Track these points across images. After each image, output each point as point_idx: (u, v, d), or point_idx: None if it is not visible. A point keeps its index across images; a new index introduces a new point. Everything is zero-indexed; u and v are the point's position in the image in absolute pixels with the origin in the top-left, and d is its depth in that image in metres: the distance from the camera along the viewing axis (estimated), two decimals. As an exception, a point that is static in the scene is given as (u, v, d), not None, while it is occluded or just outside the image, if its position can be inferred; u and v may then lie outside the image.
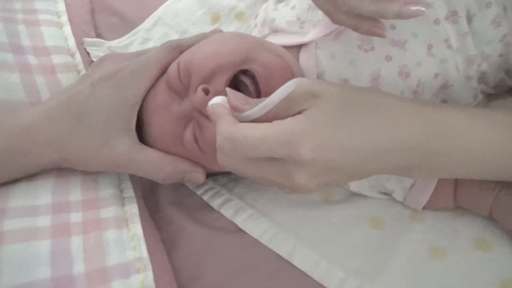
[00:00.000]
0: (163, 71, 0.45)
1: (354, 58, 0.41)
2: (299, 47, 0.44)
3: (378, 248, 0.42)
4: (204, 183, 0.50)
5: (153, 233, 0.43)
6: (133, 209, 0.42)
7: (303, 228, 0.44)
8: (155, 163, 0.43)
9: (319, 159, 0.31)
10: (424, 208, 0.43)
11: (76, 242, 0.37)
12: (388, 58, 0.40)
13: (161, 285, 0.38)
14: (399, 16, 0.32)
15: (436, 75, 0.41)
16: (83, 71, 0.52)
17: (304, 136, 0.31)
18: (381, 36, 0.35)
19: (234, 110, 0.35)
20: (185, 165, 0.44)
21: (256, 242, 0.44)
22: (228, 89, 0.36)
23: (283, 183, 0.33)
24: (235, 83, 0.41)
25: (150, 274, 0.36)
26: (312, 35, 0.43)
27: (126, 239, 0.39)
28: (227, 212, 0.46)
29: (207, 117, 0.39)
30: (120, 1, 0.64)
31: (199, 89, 0.39)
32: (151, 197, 0.49)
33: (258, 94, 0.41)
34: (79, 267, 0.35)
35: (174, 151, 0.44)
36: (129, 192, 0.44)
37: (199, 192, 0.49)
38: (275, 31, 0.47)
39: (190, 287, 0.41)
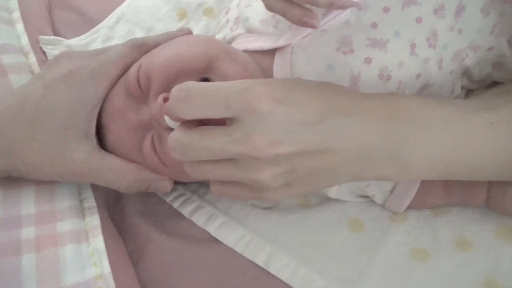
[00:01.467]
0: (125, 71, 0.41)
1: (332, 61, 0.38)
2: (273, 51, 0.41)
3: (359, 252, 0.40)
4: (174, 189, 0.46)
5: (117, 246, 0.40)
6: (94, 221, 0.38)
7: (280, 234, 0.42)
8: (117, 172, 0.39)
9: (278, 112, 0.30)
10: (408, 208, 0.41)
11: (27, 261, 0.33)
12: (368, 61, 0.37)
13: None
14: (331, 4, 0.32)
15: (418, 76, 0.38)
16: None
17: (262, 85, 0.30)
18: (313, 26, 0.33)
19: None
20: (149, 173, 0.41)
21: (231, 251, 0.41)
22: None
23: (240, 149, 0.30)
24: None
25: (112, 293, 0.33)
26: (286, 38, 0.40)
27: (85, 254, 0.35)
28: (199, 219, 0.43)
29: (167, 128, 0.37)
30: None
31: (159, 98, 0.37)
32: (116, 206, 0.45)
33: None
34: (30, 290, 0.31)
35: (136, 160, 0.41)
36: (90, 202, 0.40)
37: (168, 199, 0.46)
38: (249, 31, 0.44)
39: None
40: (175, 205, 0.45)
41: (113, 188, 0.40)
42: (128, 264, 0.39)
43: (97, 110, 0.40)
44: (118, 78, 0.41)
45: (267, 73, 0.41)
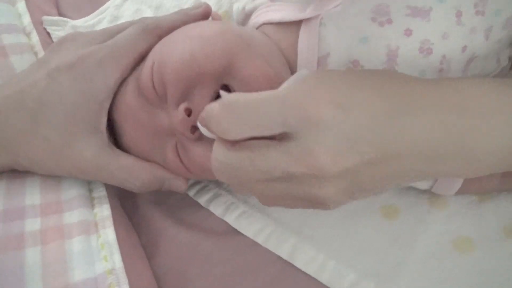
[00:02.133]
0: (138, 60, 0.38)
1: (367, 34, 0.34)
2: (299, 23, 0.36)
3: (394, 243, 0.36)
4: (189, 177, 0.43)
5: (131, 238, 0.37)
6: (104, 211, 0.35)
7: (305, 225, 0.38)
8: (129, 171, 0.36)
9: (342, 120, 0.24)
10: (459, 192, 0.37)
11: (31, 256, 0.30)
12: (408, 33, 0.33)
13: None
14: None
15: (464, 48, 0.34)
16: (42, 53, 0.45)
17: (320, 90, 0.25)
18: None
19: None
20: (164, 172, 0.38)
21: (252, 243, 0.38)
22: (222, 92, 0.29)
23: (301, 169, 0.25)
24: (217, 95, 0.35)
25: (125, 289, 0.30)
26: (315, 7, 0.35)
27: (95, 247, 0.32)
28: (217, 209, 0.40)
29: (194, 140, 0.34)
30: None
31: (181, 109, 0.33)
32: (128, 196, 0.42)
33: None
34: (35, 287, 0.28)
35: (151, 159, 0.38)
36: (100, 191, 0.37)
37: (183, 188, 0.42)
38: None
39: (175, 299, 0.35)
40: (191, 193, 0.42)
41: (125, 187, 0.37)
42: (143, 257, 0.36)
43: (107, 104, 0.36)
44: (130, 67, 0.37)
45: (288, 54, 0.37)
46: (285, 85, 0.27)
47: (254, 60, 0.34)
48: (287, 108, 0.25)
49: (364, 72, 0.29)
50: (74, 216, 0.34)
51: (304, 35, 0.36)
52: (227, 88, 0.34)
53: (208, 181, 0.43)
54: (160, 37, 0.38)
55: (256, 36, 0.37)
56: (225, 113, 0.25)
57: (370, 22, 0.33)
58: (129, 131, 0.37)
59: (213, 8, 0.44)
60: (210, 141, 0.34)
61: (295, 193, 0.27)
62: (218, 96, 0.34)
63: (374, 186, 0.28)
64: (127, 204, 0.42)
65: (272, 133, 0.25)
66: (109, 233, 0.33)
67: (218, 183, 0.43)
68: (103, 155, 0.35)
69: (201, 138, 0.34)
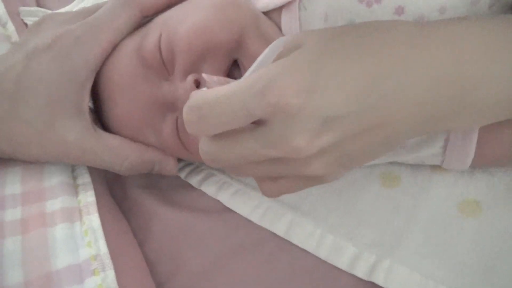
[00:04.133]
0: (119, 35, 0.36)
1: (352, 16, 0.31)
2: (280, 9, 0.35)
3: (395, 211, 0.34)
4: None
5: (118, 223, 0.36)
6: (88, 198, 0.34)
7: (301, 200, 0.36)
8: (116, 152, 0.35)
9: (311, 105, 0.23)
10: (477, 164, 0.33)
11: (11, 245, 0.29)
12: (399, 10, 0.30)
13: (130, 285, 0.30)
14: None
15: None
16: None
17: (283, 77, 0.23)
18: None
19: None
20: (153, 154, 0.36)
21: (246, 222, 0.36)
22: (205, 75, 0.28)
23: (278, 153, 0.24)
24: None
25: (111, 274, 0.29)
26: None
27: (79, 234, 0.31)
28: (209, 189, 0.38)
29: None
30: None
31: (189, 79, 0.32)
32: (116, 181, 0.41)
33: None
34: (16, 276, 0.27)
35: (141, 139, 0.36)
36: (85, 177, 0.36)
37: (175, 170, 0.41)
38: None
39: (170, 281, 0.34)
40: (182, 175, 0.40)
41: (112, 170, 0.36)
42: (131, 243, 0.35)
43: (89, 83, 0.35)
44: (112, 43, 0.35)
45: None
46: (249, 71, 0.26)
47: (261, 41, 0.33)
48: (248, 99, 0.23)
49: (342, 32, 0.26)
50: (57, 203, 0.33)
51: (285, 20, 0.34)
52: (236, 64, 0.33)
53: (199, 162, 0.41)
54: (142, 11, 0.36)
55: (261, 15, 0.36)
56: (193, 117, 0.24)
57: (356, 3, 0.31)
58: (122, 104, 0.35)
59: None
60: None
61: (288, 173, 0.26)
62: (229, 71, 0.33)
63: (367, 154, 0.26)
64: (116, 189, 0.40)
65: (245, 124, 0.24)
66: (93, 219, 0.32)
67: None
68: (87, 136, 0.34)
69: None
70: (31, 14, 0.49)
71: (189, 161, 0.40)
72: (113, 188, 0.40)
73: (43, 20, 0.37)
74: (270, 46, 0.27)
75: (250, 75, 0.24)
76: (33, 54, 0.34)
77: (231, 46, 0.32)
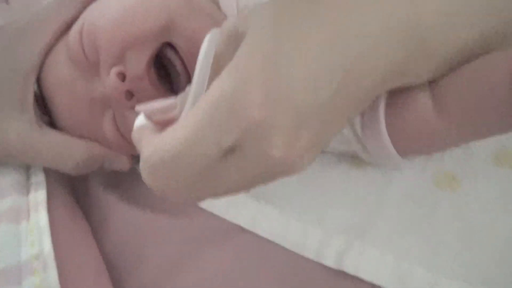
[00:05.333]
0: (65, 27, 0.34)
1: None
2: None
3: (365, 191, 0.31)
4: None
5: (74, 221, 0.34)
6: (39, 196, 0.32)
7: (265, 188, 0.33)
8: (60, 149, 0.33)
9: (281, 112, 0.20)
10: (406, 153, 0.29)
11: None
12: None
13: (79, 284, 0.28)
14: None
15: None
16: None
17: (242, 95, 0.20)
18: None
19: (163, 125, 0.24)
20: (102, 150, 0.34)
21: (210, 215, 0.34)
22: (138, 108, 0.25)
23: (261, 168, 0.21)
24: (159, 59, 0.31)
25: (52, 274, 0.27)
26: None
27: (23, 233, 0.29)
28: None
29: (128, 106, 0.31)
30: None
31: (112, 74, 0.30)
32: (79, 178, 0.39)
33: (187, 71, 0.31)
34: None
35: (86, 136, 0.34)
36: (38, 176, 0.34)
37: (138, 167, 0.39)
38: None
39: (132, 276, 0.32)
40: (146, 171, 0.38)
41: (58, 169, 0.34)
42: (86, 241, 0.33)
43: (33, 78, 0.33)
44: (57, 37, 0.34)
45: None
46: (199, 74, 0.23)
47: (195, 16, 0.31)
48: (217, 136, 0.20)
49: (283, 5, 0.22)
50: (4, 204, 0.31)
51: None
52: (171, 46, 0.30)
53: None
54: (88, 2, 0.35)
55: None
56: (157, 181, 0.21)
57: None
58: (62, 105, 0.34)
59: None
60: None
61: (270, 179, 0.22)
62: (157, 58, 0.31)
63: (338, 126, 0.23)
64: (78, 186, 0.39)
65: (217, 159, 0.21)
66: (40, 218, 0.31)
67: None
68: (30, 133, 0.32)
69: None
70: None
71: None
72: (76, 185, 0.39)
73: None
74: (205, 46, 0.23)
75: (201, 101, 0.21)
76: None
77: (158, 33, 0.30)
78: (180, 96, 0.24)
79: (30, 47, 0.33)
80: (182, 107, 0.23)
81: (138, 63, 0.30)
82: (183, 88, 0.29)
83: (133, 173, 0.38)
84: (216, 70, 0.22)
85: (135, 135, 0.24)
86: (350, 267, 0.27)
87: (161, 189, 0.22)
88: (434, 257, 0.27)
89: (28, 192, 0.33)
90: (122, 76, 0.30)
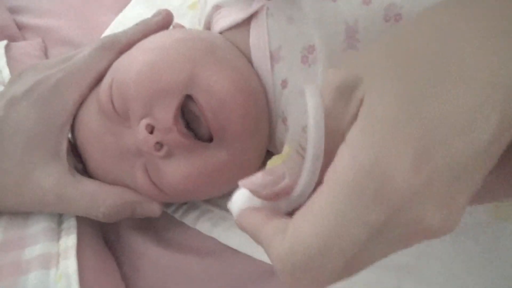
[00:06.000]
0: (98, 78, 0.35)
1: (318, 14, 0.29)
2: (248, 22, 0.33)
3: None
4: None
5: (104, 266, 0.33)
6: (69, 241, 0.32)
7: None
8: (92, 196, 0.33)
9: (431, 172, 0.16)
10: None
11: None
12: (367, 1, 0.28)
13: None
14: None
15: None
16: None
17: (384, 160, 0.16)
18: None
19: (274, 199, 0.20)
20: (133, 195, 0.34)
21: (244, 257, 0.32)
22: (242, 183, 0.21)
23: (415, 239, 0.17)
24: (182, 111, 0.31)
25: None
26: (258, 0, 0.32)
27: (52, 281, 0.28)
28: (204, 225, 0.35)
29: (159, 157, 0.31)
30: (70, 28, 0.59)
31: (142, 126, 0.30)
32: (111, 224, 0.38)
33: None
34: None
35: (119, 184, 0.34)
36: (70, 221, 0.34)
37: (170, 210, 0.38)
38: (217, 7, 0.36)
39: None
40: (177, 215, 0.37)
41: (91, 217, 0.33)
42: (116, 284, 0.32)
43: (67, 128, 0.34)
44: (89, 88, 0.35)
45: (247, 55, 0.33)
46: (313, 137, 0.19)
47: (218, 65, 0.31)
48: (363, 215, 0.16)
49: (398, 58, 0.18)
50: (36, 250, 0.31)
51: (254, 31, 0.33)
52: (191, 99, 0.30)
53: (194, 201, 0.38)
54: (120, 53, 0.36)
55: (218, 41, 0.34)
56: (295, 283, 0.18)
57: None
58: (93, 154, 0.34)
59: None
60: (182, 158, 0.30)
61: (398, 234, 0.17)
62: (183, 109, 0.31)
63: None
64: (110, 232, 0.38)
65: None
66: (69, 264, 0.30)
67: (208, 199, 0.38)
68: (63, 182, 0.32)
69: (170, 155, 0.31)
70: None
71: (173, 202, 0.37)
72: (107, 231, 0.38)
73: (25, 69, 0.37)
74: (312, 103, 0.19)
75: (331, 177, 0.18)
76: (11, 101, 0.33)
77: (182, 84, 0.30)
78: (286, 162, 0.20)
79: (64, 100, 0.34)
80: (292, 175, 0.20)
81: (166, 114, 0.30)
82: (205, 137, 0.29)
83: (168, 220, 0.37)
84: (330, 128, 0.19)
85: (243, 219, 0.21)
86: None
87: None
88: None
89: (59, 238, 0.33)
90: (151, 128, 0.30)
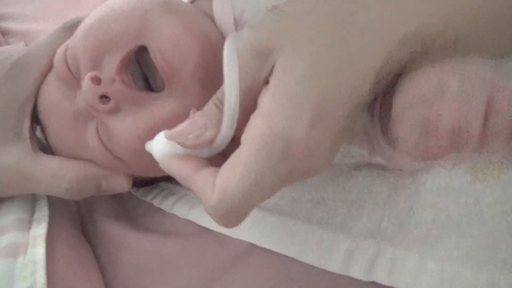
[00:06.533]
0: None
1: None
2: None
3: (393, 192, 0.27)
4: (155, 185, 0.38)
5: (78, 255, 0.32)
6: (38, 230, 0.31)
7: (279, 200, 0.30)
8: (53, 172, 0.31)
9: (327, 132, 0.21)
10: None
11: None
12: None
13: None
14: None
15: None
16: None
17: (292, 130, 0.20)
18: None
19: (196, 148, 0.23)
20: (96, 169, 0.32)
21: (222, 238, 0.31)
22: (166, 134, 0.24)
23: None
24: (139, 62, 0.30)
25: (43, 309, 0.24)
26: None
27: (18, 269, 0.27)
28: (181, 210, 0.34)
29: (109, 111, 0.29)
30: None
31: (87, 78, 0.29)
32: (88, 214, 0.37)
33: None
34: None
35: (79, 156, 0.33)
36: (42, 211, 0.33)
37: (148, 198, 0.37)
38: None
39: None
40: (155, 202, 0.36)
41: (54, 194, 0.32)
42: (89, 276, 0.30)
43: (29, 107, 0.33)
44: (50, 66, 0.34)
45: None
46: (230, 85, 0.22)
47: (171, 16, 0.30)
48: (275, 168, 0.21)
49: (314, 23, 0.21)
50: (3, 241, 0.30)
51: (217, 3, 0.32)
52: (145, 50, 0.29)
53: (173, 186, 0.37)
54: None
55: (183, 4, 0.33)
56: (227, 223, 0.22)
57: None
58: (53, 126, 0.33)
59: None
60: (129, 112, 0.29)
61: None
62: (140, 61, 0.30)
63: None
64: (88, 223, 0.37)
65: None
66: (37, 252, 0.29)
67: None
68: (25, 162, 0.31)
69: (118, 109, 0.29)
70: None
71: (135, 174, 0.35)
72: (86, 223, 0.37)
73: None
74: (225, 60, 0.22)
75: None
76: None
77: (130, 36, 0.29)
78: (204, 113, 0.23)
79: (24, 78, 0.33)
80: (213, 127, 0.23)
81: (111, 66, 0.29)
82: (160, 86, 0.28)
83: (145, 207, 0.36)
84: (245, 85, 0.22)
85: (170, 165, 0.24)
86: (382, 276, 0.23)
87: (232, 225, 0.22)
88: (485, 252, 0.22)
89: (29, 228, 0.32)
90: (98, 81, 0.29)
